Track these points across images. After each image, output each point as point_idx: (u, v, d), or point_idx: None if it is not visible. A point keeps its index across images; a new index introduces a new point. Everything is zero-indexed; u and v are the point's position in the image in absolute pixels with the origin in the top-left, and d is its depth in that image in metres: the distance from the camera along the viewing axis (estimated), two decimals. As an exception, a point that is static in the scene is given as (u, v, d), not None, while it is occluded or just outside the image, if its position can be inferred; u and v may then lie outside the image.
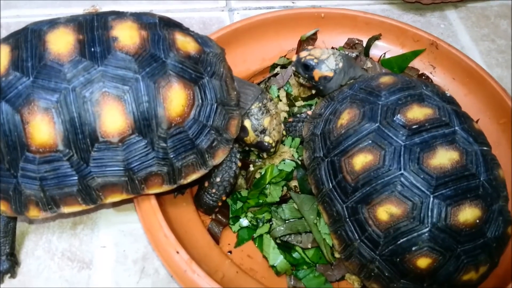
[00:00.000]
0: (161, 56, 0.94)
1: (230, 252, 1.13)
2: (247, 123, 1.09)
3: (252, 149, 1.17)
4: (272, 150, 1.12)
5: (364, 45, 1.41)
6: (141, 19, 0.99)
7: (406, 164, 0.93)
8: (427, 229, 0.91)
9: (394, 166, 0.93)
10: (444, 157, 0.93)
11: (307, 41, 1.37)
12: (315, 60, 1.15)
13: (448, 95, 1.07)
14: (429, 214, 0.91)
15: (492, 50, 1.59)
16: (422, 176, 0.92)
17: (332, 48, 1.38)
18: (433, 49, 1.37)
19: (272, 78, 1.33)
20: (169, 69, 0.94)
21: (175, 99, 0.94)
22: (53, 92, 0.89)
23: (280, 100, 1.29)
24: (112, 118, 0.91)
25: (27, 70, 0.90)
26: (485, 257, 0.95)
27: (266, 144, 1.11)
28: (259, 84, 1.33)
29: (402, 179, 0.92)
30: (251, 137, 1.10)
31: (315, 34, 1.39)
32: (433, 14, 1.68)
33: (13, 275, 1.06)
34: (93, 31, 0.94)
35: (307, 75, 1.17)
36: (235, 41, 1.35)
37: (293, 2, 1.67)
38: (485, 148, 0.99)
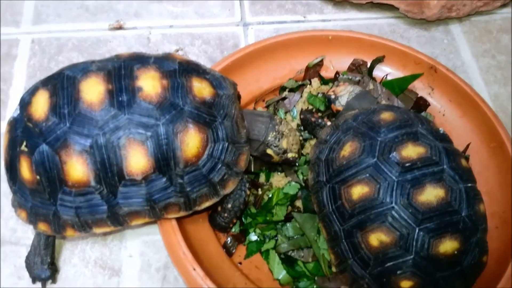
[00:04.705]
0: (179, 103, 1.04)
1: (240, 263, 1.24)
2: (269, 151, 1.22)
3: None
4: (298, 160, 1.27)
5: (368, 66, 1.47)
6: (163, 66, 1.08)
7: (397, 198, 1.02)
8: (411, 256, 1.00)
9: (387, 199, 1.02)
10: (431, 194, 1.01)
11: (314, 67, 1.45)
12: (333, 96, 1.32)
13: (441, 132, 1.14)
14: (414, 244, 1.00)
15: (491, 66, 1.61)
16: (410, 210, 1.01)
17: (337, 72, 1.46)
18: (432, 72, 1.42)
19: (280, 101, 1.42)
20: (186, 116, 1.04)
21: (191, 142, 1.04)
22: (86, 137, 1.00)
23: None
24: (136, 160, 1.02)
25: (64, 116, 1.01)
26: (461, 283, 1.05)
27: (291, 159, 1.25)
28: (268, 106, 1.43)
29: (393, 211, 1.01)
30: (276, 158, 1.24)
31: (321, 60, 1.46)
32: (438, 29, 1.69)
33: (54, 281, 1.20)
34: (120, 81, 1.04)
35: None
36: (248, 62, 1.43)
37: (304, 17, 1.71)
38: (469, 184, 1.07)
